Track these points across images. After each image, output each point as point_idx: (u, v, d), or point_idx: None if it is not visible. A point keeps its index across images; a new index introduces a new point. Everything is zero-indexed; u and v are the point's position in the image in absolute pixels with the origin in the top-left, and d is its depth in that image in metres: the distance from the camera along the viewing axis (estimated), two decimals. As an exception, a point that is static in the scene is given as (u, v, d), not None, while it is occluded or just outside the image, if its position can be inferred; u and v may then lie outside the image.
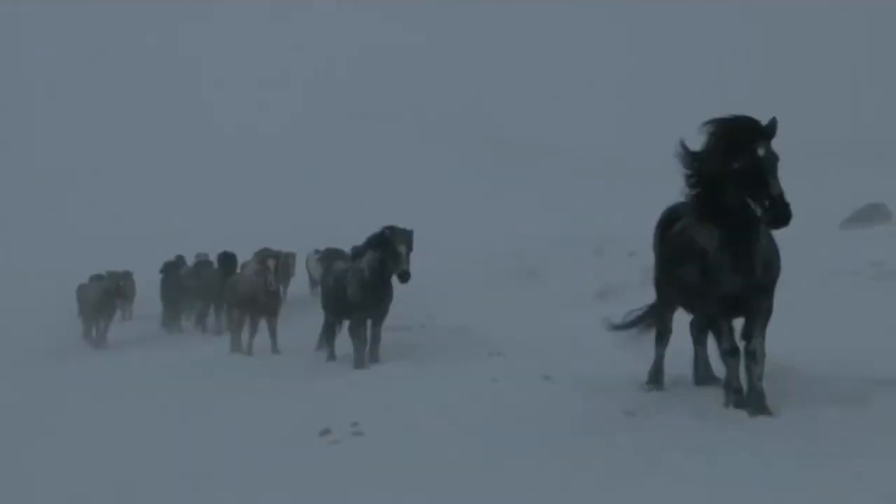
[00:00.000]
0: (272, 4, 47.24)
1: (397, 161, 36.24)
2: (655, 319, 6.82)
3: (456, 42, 44.22)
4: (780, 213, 5.15)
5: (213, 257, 17.01)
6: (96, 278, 15.88)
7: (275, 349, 11.77)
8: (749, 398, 5.63)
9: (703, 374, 6.70)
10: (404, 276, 9.39)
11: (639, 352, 6.80)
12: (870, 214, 16.44)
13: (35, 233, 28.76)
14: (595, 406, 6.21)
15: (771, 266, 5.62)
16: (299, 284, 18.20)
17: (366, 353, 9.77)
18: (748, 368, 5.66)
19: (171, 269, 16.32)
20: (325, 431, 6.34)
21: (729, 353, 5.84)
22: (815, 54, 38.29)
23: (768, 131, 5.47)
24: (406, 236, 9.55)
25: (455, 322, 12.03)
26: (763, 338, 5.65)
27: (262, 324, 12.02)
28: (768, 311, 5.70)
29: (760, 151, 5.31)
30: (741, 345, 5.75)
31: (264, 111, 40.17)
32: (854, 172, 22.62)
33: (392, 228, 9.63)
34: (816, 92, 34.98)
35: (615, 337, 6.98)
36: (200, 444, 6.59)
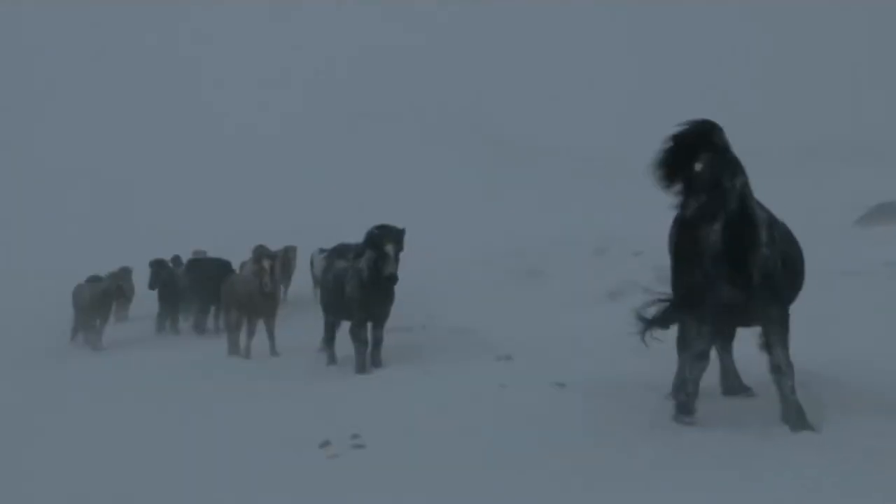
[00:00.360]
0: (272, 4, 47.17)
1: (397, 161, 36.18)
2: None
3: (456, 42, 44.15)
4: (678, 234, 5.09)
5: (210, 255, 16.94)
6: (94, 279, 15.77)
7: (273, 351, 11.50)
8: (786, 413, 5.42)
9: (731, 384, 6.46)
10: (391, 279, 9.07)
11: (656, 357, 6.46)
12: (883, 213, 16.38)
13: (35, 233, 28.72)
14: (616, 417, 5.96)
15: (772, 276, 5.37)
16: (301, 283, 18.10)
17: (367, 357, 9.50)
18: (777, 383, 5.46)
19: (159, 267, 15.98)
20: (325, 443, 6.13)
21: (696, 357, 5.66)
22: (817, 54, 38.25)
23: (711, 144, 5.19)
24: (394, 236, 9.18)
25: (458, 323, 11.80)
26: (784, 348, 5.42)
27: (261, 325, 11.85)
28: (779, 321, 5.46)
29: (697, 167, 5.12)
30: (765, 358, 5.55)
31: (264, 111, 40.11)
32: (858, 172, 22.59)
33: (381, 227, 9.34)
34: (818, 91, 34.95)
35: (629, 341, 6.70)
36: (199, 451, 6.48)
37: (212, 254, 17.28)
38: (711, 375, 6.41)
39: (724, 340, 6.43)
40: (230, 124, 39.05)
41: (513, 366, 8.38)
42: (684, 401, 5.66)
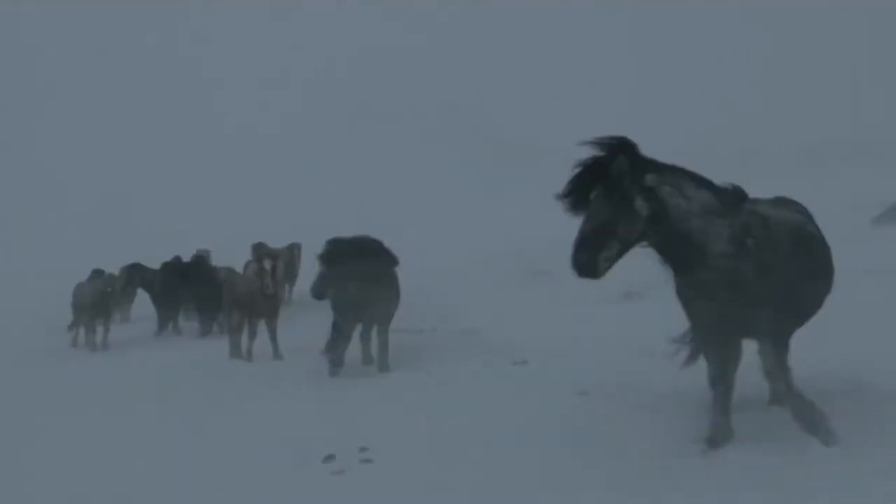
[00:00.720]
0: (272, 4, 47.13)
1: (397, 161, 36.17)
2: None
3: (456, 42, 44.11)
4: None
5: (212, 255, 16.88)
6: (97, 273, 15.68)
7: (277, 354, 11.16)
8: (795, 416, 5.26)
9: (776, 397, 6.05)
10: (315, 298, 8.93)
11: (679, 360, 6.03)
12: None
13: (35, 233, 28.70)
14: (646, 430, 5.59)
15: (740, 286, 5.16)
16: (306, 282, 17.85)
17: (340, 354, 9.11)
18: (770, 386, 5.40)
19: (131, 272, 15.82)
20: (329, 457, 5.77)
21: (710, 382, 5.52)
22: (817, 54, 38.21)
23: (608, 174, 5.09)
24: (328, 256, 8.91)
25: (468, 325, 11.38)
26: (776, 355, 5.27)
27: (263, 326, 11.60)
28: (768, 331, 5.27)
29: (592, 195, 5.14)
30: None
31: (264, 111, 40.07)
32: (859, 172, 22.54)
33: (329, 242, 9.12)
34: (818, 91, 34.91)
35: (649, 344, 6.32)
36: (198, 455, 6.32)
37: (214, 254, 17.23)
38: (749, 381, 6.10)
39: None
40: (230, 124, 39.01)
41: (530, 372, 7.95)
42: (712, 431, 5.41)
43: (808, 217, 6.11)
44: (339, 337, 9.62)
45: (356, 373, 9.24)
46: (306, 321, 12.89)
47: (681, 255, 5.19)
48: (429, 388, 7.63)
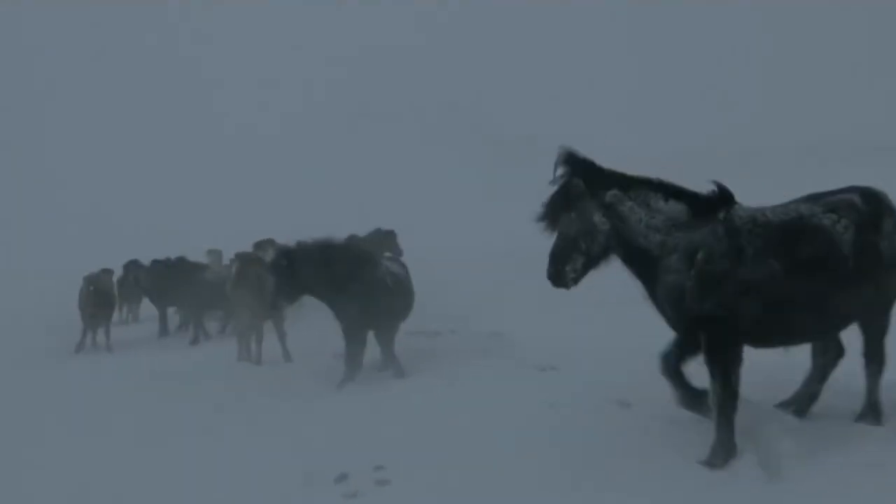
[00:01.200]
0: (272, 4, 47.20)
1: (397, 161, 36.21)
2: None
3: (456, 42, 44.16)
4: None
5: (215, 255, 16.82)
6: (106, 272, 15.62)
7: (286, 356, 10.92)
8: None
9: (865, 411, 5.73)
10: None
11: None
12: None
13: (35, 233, 28.72)
14: (699, 447, 5.13)
15: (679, 300, 5.13)
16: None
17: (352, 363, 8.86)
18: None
19: (126, 269, 15.79)
20: (342, 477, 5.37)
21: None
22: (817, 54, 38.23)
23: (569, 199, 5.40)
24: (279, 262, 8.73)
25: (487, 327, 10.99)
26: (713, 377, 5.12)
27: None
28: (707, 347, 5.14)
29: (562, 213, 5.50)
30: None
31: (264, 111, 40.12)
32: (859, 172, 22.49)
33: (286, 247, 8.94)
34: (818, 91, 34.93)
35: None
36: (199, 463, 6.16)
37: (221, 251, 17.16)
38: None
39: (873, 362, 5.70)
40: (230, 124, 39.06)
41: (560, 379, 7.46)
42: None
43: (835, 210, 5.41)
44: (355, 345, 9.02)
45: (371, 378, 8.72)
46: (312, 322, 12.73)
47: (637, 268, 5.37)
48: (452, 397, 7.08)
